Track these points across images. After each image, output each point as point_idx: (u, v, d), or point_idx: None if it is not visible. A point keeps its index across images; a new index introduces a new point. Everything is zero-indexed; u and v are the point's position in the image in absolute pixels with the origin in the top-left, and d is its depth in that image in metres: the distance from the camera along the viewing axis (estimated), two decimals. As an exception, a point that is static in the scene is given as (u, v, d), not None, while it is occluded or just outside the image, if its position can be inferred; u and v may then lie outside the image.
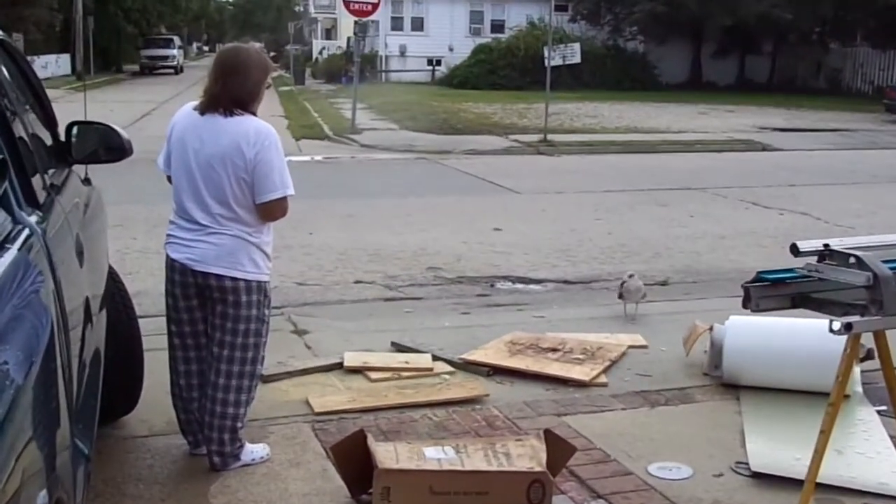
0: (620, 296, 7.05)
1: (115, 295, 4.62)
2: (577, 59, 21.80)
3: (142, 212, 10.74)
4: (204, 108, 4.12)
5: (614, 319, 7.02)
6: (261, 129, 4.10)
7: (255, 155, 4.04)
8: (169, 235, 4.24)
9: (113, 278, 4.65)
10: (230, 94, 4.08)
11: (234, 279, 4.11)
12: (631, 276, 7.16)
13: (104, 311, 4.17)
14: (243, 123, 4.09)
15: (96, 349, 3.67)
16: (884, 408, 4.97)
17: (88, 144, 4.28)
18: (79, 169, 4.53)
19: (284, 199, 4.13)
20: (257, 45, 4.41)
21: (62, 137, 4.27)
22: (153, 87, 40.48)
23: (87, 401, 3.14)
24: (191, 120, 4.16)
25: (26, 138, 3.42)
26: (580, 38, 32.70)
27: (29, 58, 4.53)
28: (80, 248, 3.53)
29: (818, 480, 3.91)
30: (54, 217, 3.22)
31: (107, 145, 4.33)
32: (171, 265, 4.20)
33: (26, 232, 2.70)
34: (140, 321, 4.90)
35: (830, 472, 4.13)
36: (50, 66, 43.06)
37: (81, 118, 4.35)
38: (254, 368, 4.26)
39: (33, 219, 2.86)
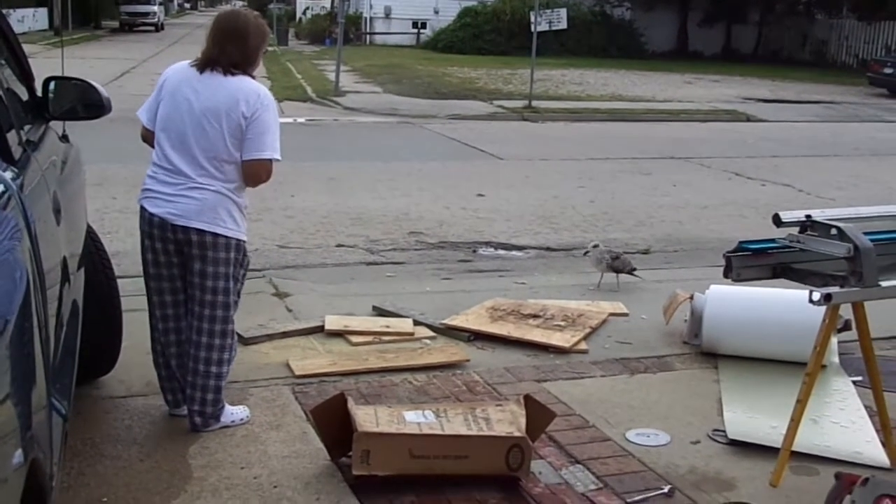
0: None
1: (94, 254, 4.58)
2: (563, 24, 21.67)
3: (121, 171, 10.66)
4: (202, 68, 4.10)
5: (596, 287, 7.03)
6: (262, 90, 4.12)
7: (253, 113, 4.04)
8: (146, 190, 4.19)
9: (91, 238, 4.61)
10: (229, 59, 4.08)
11: (214, 235, 4.09)
12: (595, 245, 7.14)
13: (82, 271, 4.14)
14: (244, 82, 4.09)
15: (74, 308, 3.65)
16: (860, 378, 5.01)
17: (66, 100, 4.23)
18: (56, 126, 4.47)
19: (271, 162, 4.12)
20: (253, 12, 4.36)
21: (39, 93, 4.21)
22: (133, 45, 40.01)
23: (64, 360, 3.12)
24: (187, 74, 4.14)
25: (0, 93, 3.36)
26: (567, 4, 32.49)
27: (4, 10, 4.45)
28: (58, 206, 3.48)
29: (794, 448, 3.96)
30: (30, 174, 3.16)
31: (85, 102, 4.28)
32: (150, 220, 4.16)
33: (0, 188, 2.65)
34: (119, 281, 4.87)
35: (806, 440, 4.17)
36: (27, 20, 42.26)
37: (59, 74, 4.29)
38: (228, 327, 4.25)
39: (8, 175, 2.80)
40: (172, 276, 4.23)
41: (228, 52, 4.08)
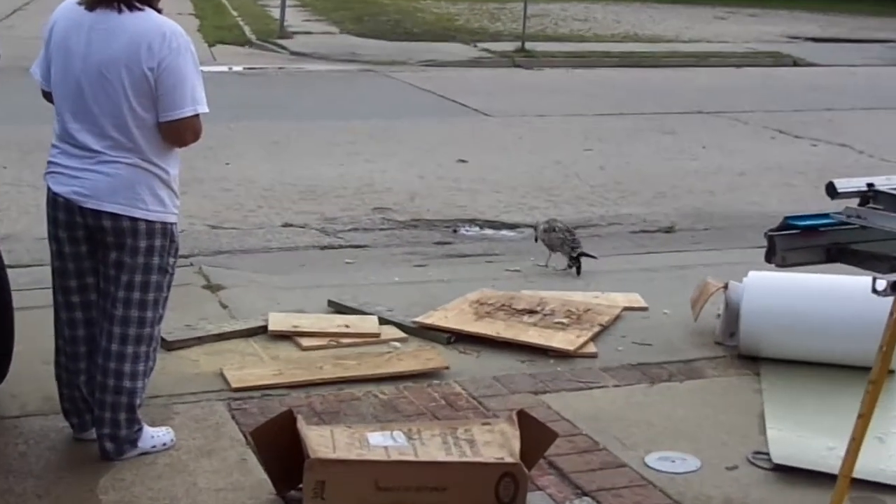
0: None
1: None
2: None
3: (14, 134, 10.58)
4: (92, 3, 4.03)
5: (606, 274, 7.04)
6: (170, 28, 4.03)
7: (161, 61, 3.97)
8: (50, 164, 4.16)
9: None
10: None
11: (133, 219, 4.06)
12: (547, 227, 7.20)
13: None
14: (147, 21, 4.01)
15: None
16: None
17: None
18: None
19: (196, 117, 4.08)
20: None
21: None
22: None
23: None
24: (75, 17, 4.06)
25: None
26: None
27: None
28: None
29: (854, 475, 3.96)
30: None
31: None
32: (54, 201, 4.13)
33: None
34: (10, 272, 4.82)
35: (869, 465, 4.18)
36: None
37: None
38: (153, 331, 4.23)
39: None
40: (82, 270, 4.20)
41: None
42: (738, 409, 4.96)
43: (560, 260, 7.10)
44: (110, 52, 3.98)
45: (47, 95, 4.24)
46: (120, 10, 4.00)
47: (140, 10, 4.02)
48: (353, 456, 3.83)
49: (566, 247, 7.05)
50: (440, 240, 8.28)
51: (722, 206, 9.57)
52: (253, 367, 5.27)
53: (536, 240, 7.29)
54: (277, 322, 5.80)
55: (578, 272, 7.00)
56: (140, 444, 4.29)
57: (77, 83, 4.04)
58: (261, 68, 18.35)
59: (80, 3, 4.07)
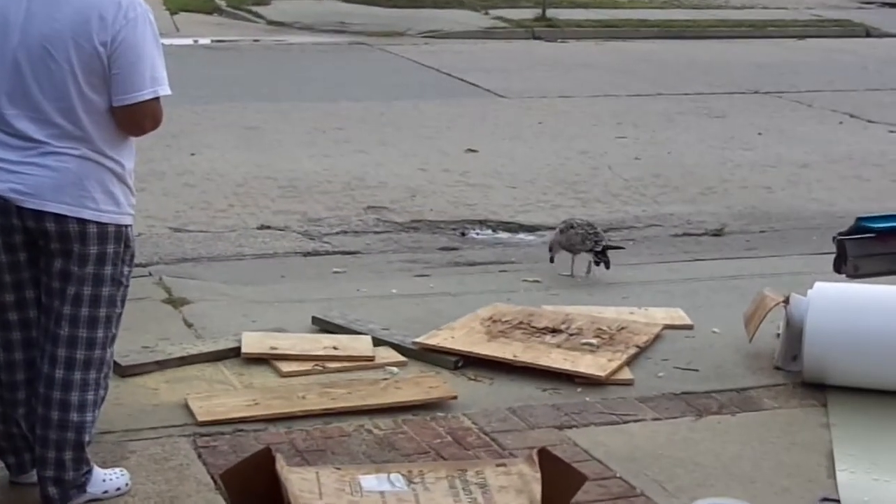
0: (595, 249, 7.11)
1: None
2: None
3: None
4: (34, -36, 4.05)
5: (643, 285, 7.05)
6: None
7: (115, 35, 3.97)
8: (-17, 156, 4.17)
9: None
10: None
11: (81, 221, 4.06)
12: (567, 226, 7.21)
13: None
14: None
15: None
16: None
17: None
18: None
19: (157, 101, 4.09)
20: None
21: None
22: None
23: None
24: None
25: None
26: None
27: None
28: None
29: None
30: None
31: None
32: (-13, 201, 4.14)
33: None
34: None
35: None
36: None
37: None
38: (104, 354, 4.22)
39: None
40: (20, 282, 4.19)
41: None
42: (801, 447, 4.95)
43: (585, 265, 7.10)
44: (55, 25, 3.98)
45: None
46: None
47: None
48: (342, 503, 3.82)
49: (588, 242, 7.04)
50: (445, 245, 8.28)
51: (781, 204, 9.56)
52: (223, 396, 5.26)
53: (552, 259, 7.26)
54: (252, 343, 5.79)
55: (608, 266, 7.00)
56: (89, 488, 4.28)
57: (14, 61, 4.03)
58: (232, 41, 18.40)
59: (19, -35, 4.07)
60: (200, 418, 5.00)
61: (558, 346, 5.85)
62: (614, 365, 5.63)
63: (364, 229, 8.52)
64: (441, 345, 5.83)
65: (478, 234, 8.60)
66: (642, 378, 5.63)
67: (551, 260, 7.28)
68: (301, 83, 14.64)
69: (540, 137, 11.74)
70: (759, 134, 12.18)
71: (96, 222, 4.08)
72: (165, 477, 4.51)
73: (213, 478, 4.45)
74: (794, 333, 5.63)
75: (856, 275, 4.04)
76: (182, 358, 5.63)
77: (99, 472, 4.34)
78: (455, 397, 5.30)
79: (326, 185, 9.57)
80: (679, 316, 6.46)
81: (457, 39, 18.86)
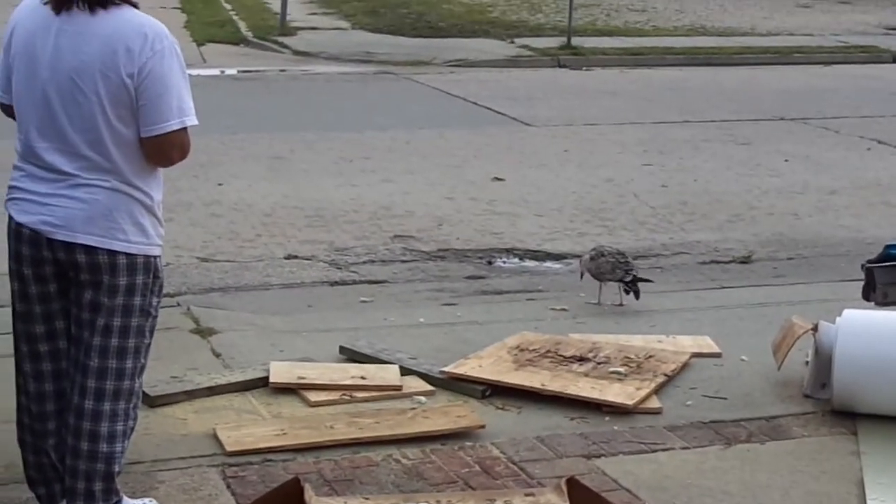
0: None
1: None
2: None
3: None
4: (59, 4, 4.06)
5: (671, 313, 7.03)
6: (152, 28, 4.05)
7: (142, 67, 3.99)
8: (13, 189, 4.18)
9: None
10: None
11: (111, 252, 4.07)
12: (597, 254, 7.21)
13: None
14: (124, 20, 4.03)
15: None
16: None
17: None
18: None
19: (184, 131, 4.10)
20: None
21: None
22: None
23: None
24: (40, 18, 4.09)
25: None
26: None
27: None
28: None
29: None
30: None
31: None
32: (18, 233, 4.14)
33: None
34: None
35: None
36: None
37: None
38: (133, 385, 4.23)
39: None
40: (50, 313, 4.21)
41: None
42: (831, 475, 4.93)
43: (613, 295, 7.09)
44: (82, 58, 4.01)
45: (7, 109, 4.26)
46: (92, 9, 4.02)
47: (115, 4, 4.04)
48: (371, 533, 3.84)
49: (618, 271, 7.05)
50: (472, 273, 8.28)
51: (809, 231, 9.54)
52: (251, 426, 5.27)
53: (582, 276, 7.27)
54: (280, 373, 5.80)
55: (637, 296, 7.01)
56: (118, 518, 4.30)
57: (44, 94, 4.06)
58: (258, 71, 18.44)
59: (45, 3, 4.10)
60: (229, 448, 5.01)
61: (586, 374, 5.85)
62: (642, 393, 5.63)
63: (391, 258, 8.54)
64: (469, 374, 5.83)
65: (505, 262, 8.60)
66: (670, 407, 5.62)
67: (581, 277, 7.30)
68: (327, 113, 14.67)
69: (566, 165, 11.74)
70: (786, 160, 12.15)
71: (126, 253, 4.10)
72: (194, 507, 4.53)
73: (241, 508, 4.46)
74: (823, 361, 5.62)
75: (885, 302, 4.03)
76: (210, 388, 5.65)
77: (129, 502, 4.35)
78: (483, 426, 5.30)
79: (353, 215, 9.59)
80: (707, 344, 6.45)
81: (482, 68, 18.88)
